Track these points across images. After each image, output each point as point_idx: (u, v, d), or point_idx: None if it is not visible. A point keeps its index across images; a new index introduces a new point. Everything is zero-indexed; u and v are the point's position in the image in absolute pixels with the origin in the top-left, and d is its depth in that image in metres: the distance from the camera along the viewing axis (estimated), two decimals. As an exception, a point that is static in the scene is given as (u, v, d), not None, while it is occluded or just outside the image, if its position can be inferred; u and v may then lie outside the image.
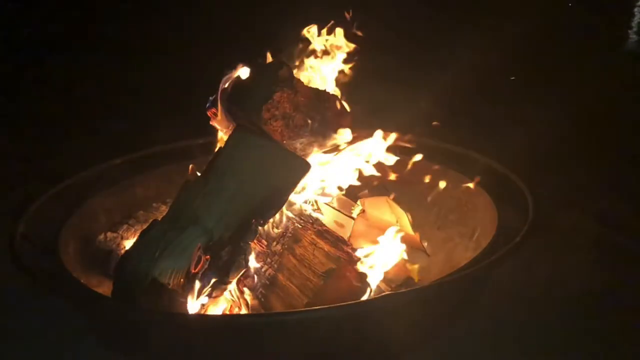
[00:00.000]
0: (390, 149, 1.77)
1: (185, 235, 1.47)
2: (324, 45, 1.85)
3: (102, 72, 4.08)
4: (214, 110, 1.73)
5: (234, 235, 1.50)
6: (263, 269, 1.57)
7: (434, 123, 1.87)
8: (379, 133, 1.75)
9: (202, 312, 1.49)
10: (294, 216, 1.63)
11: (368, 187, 1.95)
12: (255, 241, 1.55)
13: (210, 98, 1.73)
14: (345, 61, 1.87)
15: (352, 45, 1.84)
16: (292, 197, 1.62)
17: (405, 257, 1.74)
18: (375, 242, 1.77)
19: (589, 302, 1.81)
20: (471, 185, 1.88)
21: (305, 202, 1.73)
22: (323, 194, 1.80)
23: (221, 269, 1.48)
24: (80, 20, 5.00)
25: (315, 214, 1.69)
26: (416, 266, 1.77)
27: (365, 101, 1.90)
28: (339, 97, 1.78)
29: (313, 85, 1.79)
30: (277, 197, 1.54)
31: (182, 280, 1.44)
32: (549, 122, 2.86)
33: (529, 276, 1.87)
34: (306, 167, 1.57)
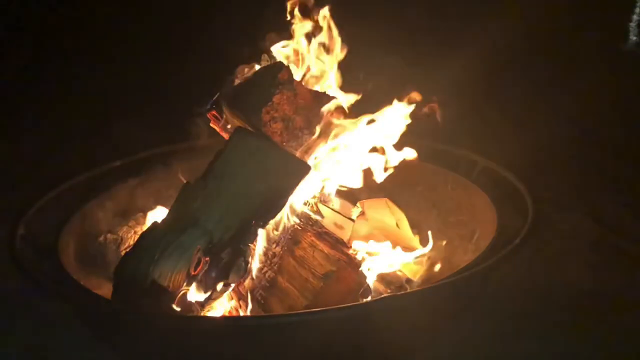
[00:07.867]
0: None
1: (185, 237, 1.47)
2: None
3: (101, 72, 4.08)
4: (213, 112, 1.74)
5: (234, 237, 1.50)
6: (263, 271, 1.57)
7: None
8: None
9: (202, 314, 1.49)
10: (293, 218, 1.63)
11: (367, 188, 1.94)
12: (255, 243, 1.55)
13: (210, 100, 1.73)
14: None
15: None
16: (292, 198, 1.62)
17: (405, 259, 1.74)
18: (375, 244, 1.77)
19: (589, 304, 1.81)
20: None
21: (305, 203, 1.73)
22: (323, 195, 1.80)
23: (221, 270, 1.48)
24: (79, 20, 4.98)
25: (314, 216, 1.69)
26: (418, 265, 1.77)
27: (366, 100, 1.89)
28: (339, 98, 1.78)
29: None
30: (277, 199, 1.54)
31: (182, 282, 1.44)
32: (548, 123, 2.87)
33: (528, 278, 1.87)
34: (306, 169, 1.57)
